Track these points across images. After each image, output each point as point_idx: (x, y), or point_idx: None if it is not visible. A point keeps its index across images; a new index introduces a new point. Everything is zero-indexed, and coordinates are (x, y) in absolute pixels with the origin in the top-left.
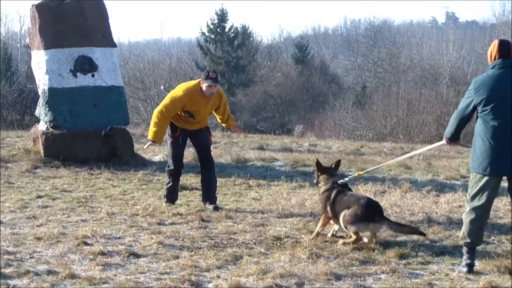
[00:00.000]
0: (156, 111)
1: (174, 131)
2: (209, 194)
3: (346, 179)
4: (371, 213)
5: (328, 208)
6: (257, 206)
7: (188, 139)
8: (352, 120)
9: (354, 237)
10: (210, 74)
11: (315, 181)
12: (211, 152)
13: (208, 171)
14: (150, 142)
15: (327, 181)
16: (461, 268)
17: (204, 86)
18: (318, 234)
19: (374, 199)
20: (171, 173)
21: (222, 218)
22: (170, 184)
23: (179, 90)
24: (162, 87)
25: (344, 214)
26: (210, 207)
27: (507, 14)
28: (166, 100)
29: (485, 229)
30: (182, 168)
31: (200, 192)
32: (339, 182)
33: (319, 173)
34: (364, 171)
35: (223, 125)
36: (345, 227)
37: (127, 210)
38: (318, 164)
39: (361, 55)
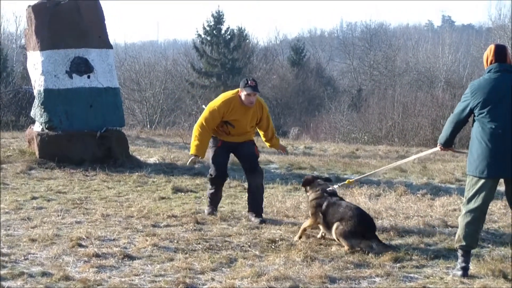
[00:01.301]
0: (196, 125)
1: (216, 143)
2: (255, 206)
3: (335, 186)
4: (364, 230)
5: (320, 215)
6: None
7: (232, 153)
8: (348, 123)
9: (347, 248)
10: (249, 82)
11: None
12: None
13: (256, 181)
14: (193, 157)
15: (316, 189)
16: (455, 271)
17: (243, 94)
18: (305, 231)
19: (366, 212)
20: (213, 182)
21: (217, 220)
22: (213, 191)
23: (217, 100)
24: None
25: (337, 227)
26: (256, 220)
27: (503, 18)
28: (205, 112)
29: (480, 232)
30: (225, 177)
31: (196, 194)
32: (327, 190)
33: (306, 183)
34: (353, 179)
35: (267, 144)
36: (337, 239)
37: (122, 212)
38: (307, 177)
39: (357, 58)
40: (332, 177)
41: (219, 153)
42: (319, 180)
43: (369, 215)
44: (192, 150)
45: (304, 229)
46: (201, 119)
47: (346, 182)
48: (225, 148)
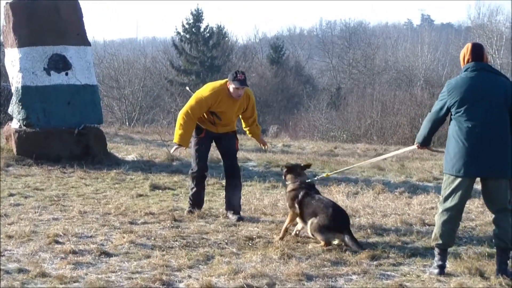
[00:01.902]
0: (181, 113)
1: (199, 132)
2: (233, 203)
3: (314, 179)
4: (338, 224)
5: (296, 206)
6: None
7: (214, 142)
8: (326, 121)
9: (323, 243)
10: (238, 75)
11: (283, 178)
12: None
13: (234, 178)
14: (176, 146)
15: (295, 180)
16: (432, 269)
17: (231, 87)
18: (286, 230)
19: (340, 206)
20: (194, 177)
21: (195, 218)
22: (195, 189)
23: (205, 90)
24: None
25: (311, 222)
26: (234, 217)
27: (482, 17)
28: (192, 100)
29: (457, 230)
30: (206, 172)
31: (173, 192)
32: (306, 181)
33: (286, 172)
34: (332, 172)
35: (247, 130)
36: (312, 234)
37: (99, 209)
38: (287, 165)
39: (336, 56)
40: (309, 175)
41: (201, 145)
42: (299, 169)
43: (342, 208)
44: (176, 139)
45: (286, 229)
46: (187, 107)
47: (324, 175)
48: (208, 139)
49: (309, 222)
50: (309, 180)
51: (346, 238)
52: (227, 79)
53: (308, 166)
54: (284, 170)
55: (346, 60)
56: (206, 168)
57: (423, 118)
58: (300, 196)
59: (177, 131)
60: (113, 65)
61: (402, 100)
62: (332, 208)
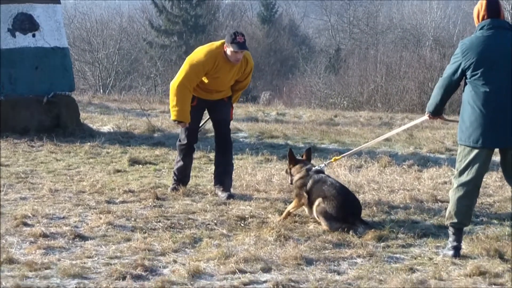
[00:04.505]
0: (175, 84)
1: (191, 101)
2: (222, 178)
3: (322, 165)
4: (346, 214)
5: (305, 195)
6: None
7: (206, 110)
8: (325, 87)
9: (326, 228)
10: (237, 37)
11: (286, 173)
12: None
13: (226, 151)
14: (177, 124)
15: (300, 169)
16: (446, 251)
17: (228, 50)
18: (289, 215)
19: (353, 193)
20: (182, 149)
21: (179, 195)
22: (181, 163)
23: (199, 54)
24: None
25: (318, 203)
26: (224, 195)
27: None
28: (186, 68)
29: (473, 208)
30: (195, 143)
31: (155, 167)
32: (313, 169)
33: (290, 166)
34: (340, 156)
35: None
36: (317, 217)
37: (72, 187)
38: (290, 155)
39: (335, 14)
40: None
41: (192, 115)
42: (303, 161)
43: (355, 196)
44: (174, 116)
45: (289, 213)
46: (181, 78)
47: (332, 160)
48: (200, 107)
49: (316, 203)
50: (316, 167)
51: (360, 228)
52: (223, 41)
53: (309, 154)
54: (288, 165)
55: (346, 18)
56: (196, 139)
57: (432, 82)
58: (309, 184)
59: (174, 107)
60: (85, 26)
61: (409, 62)
62: (344, 194)
